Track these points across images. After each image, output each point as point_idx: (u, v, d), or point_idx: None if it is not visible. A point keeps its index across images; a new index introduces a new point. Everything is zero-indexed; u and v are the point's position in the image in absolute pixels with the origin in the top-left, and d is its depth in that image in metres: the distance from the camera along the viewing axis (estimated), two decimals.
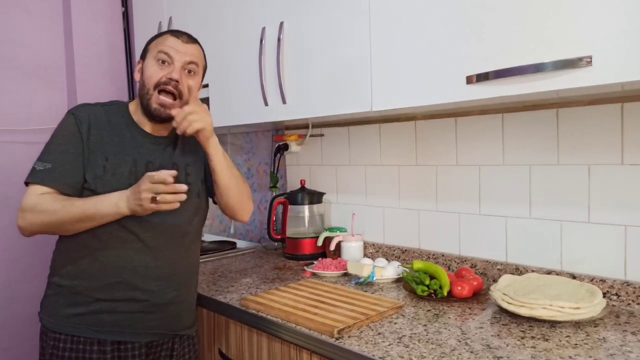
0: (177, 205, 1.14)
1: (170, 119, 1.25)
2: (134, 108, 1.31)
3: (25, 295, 2.33)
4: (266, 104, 1.68)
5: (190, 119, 1.20)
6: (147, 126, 1.30)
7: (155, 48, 1.26)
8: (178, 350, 1.34)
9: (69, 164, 1.20)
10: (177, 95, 1.25)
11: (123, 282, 1.23)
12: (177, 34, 1.28)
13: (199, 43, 1.32)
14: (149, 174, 1.12)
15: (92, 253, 1.22)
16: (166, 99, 1.24)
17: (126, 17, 2.64)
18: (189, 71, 1.27)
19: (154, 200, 1.11)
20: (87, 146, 1.22)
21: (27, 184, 1.21)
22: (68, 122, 1.24)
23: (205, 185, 1.39)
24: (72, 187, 1.21)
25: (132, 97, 2.62)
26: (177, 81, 1.23)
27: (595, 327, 1.12)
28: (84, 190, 1.21)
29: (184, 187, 1.13)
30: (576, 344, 1.03)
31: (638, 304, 1.22)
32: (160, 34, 1.31)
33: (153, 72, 1.24)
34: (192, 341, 1.39)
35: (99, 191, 1.19)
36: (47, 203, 1.16)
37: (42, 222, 1.17)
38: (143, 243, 1.24)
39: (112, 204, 1.16)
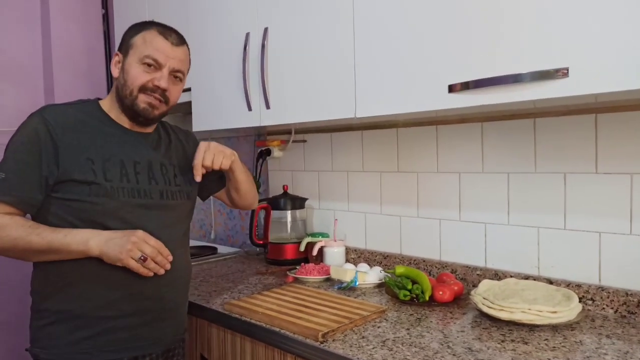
0: (152, 274, 1.12)
1: (156, 119, 1.24)
2: (108, 106, 1.23)
3: None
4: (250, 108, 1.69)
5: (216, 162, 1.25)
6: (126, 123, 1.23)
7: (141, 47, 1.17)
8: (182, 354, 1.33)
9: (24, 175, 1.10)
10: (163, 101, 1.22)
11: (133, 293, 1.15)
12: (165, 33, 1.19)
13: (186, 43, 1.26)
14: (147, 236, 1.10)
15: (94, 268, 1.12)
16: (155, 100, 1.19)
17: (106, 19, 2.62)
18: (175, 77, 1.22)
19: (143, 259, 1.09)
20: (65, 151, 1.11)
21: None
22: (34, 128, 1.12)
23: (194, 186, 1.34)
24: (25, 202, 1.10)
25: None
26: (164, 90, 1.19)
27: (572, 330, 1.15)
28: (71, 201, 1.11)
29: (169, 259, 1.14)
30: (554, 347, 1.06)
31: (612, 308, 1.26)
32: (145, 26, 1.21)
33: (138, 74, 1.17)
34: (185, 343, 1.38)
35: (92, 197, 1.11)
36: (8, 228, 1.07)
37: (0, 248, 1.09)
38: None
39: (81, 241, 1.08)
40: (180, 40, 1.23)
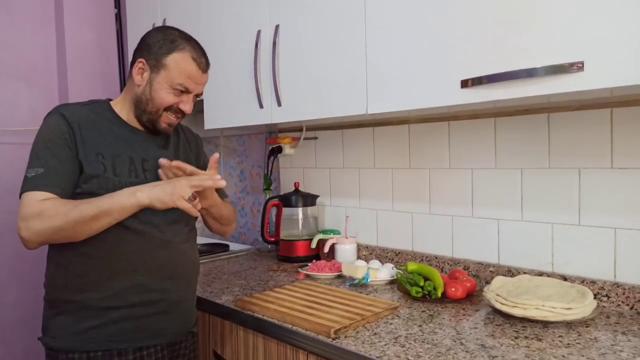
0: (199, 215, 1.15)
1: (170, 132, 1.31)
2: (119, 106, 1.27)
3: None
4: (261, 106, 1.69)
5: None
6: (136, 124, 1.27)
7: (174, 72, 1.20)
8: (191, 348, 1.34)
9: (61, 167, 1.14)
10: (181, 117, 1.29)
11: (137, 285, 1.18)
12: (198, 58, 1.22)
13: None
14: (188, 179, 1.14)
15: (99, 261, 1.16)
16: (174, 120, 1.26)
17: (119, 19, 2.64)
18: (197, 97, 1.29)
19: (193, 196, 1.11)
20: (81, 146, 1.16)
21: (21, 195, 1.13)
22: (57, 124, 1.17)
23: None
24: (67, 191, 1.14)
25: None
26: (186, 113, 1.27)
27: (586, 327, 1.14)
28: (82, 195, 1.14)
29: (219, 178, 1.17)
30: (569, 344, 1.05)
31: (628, 305, 1.24)
32: (178, 45, 1.20)
33: (167, 97, 1.22)
34: (196, 338, 1.39)
35: (102, 191, 1.14)
36: (55, 207, 1.09)
37: (52, 228, 1.08)
38: (155, 241, 1.20)
39: (129, 193, 1.11)
40: (207, 65, 1.26)
